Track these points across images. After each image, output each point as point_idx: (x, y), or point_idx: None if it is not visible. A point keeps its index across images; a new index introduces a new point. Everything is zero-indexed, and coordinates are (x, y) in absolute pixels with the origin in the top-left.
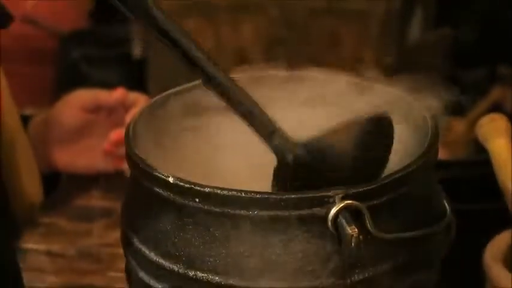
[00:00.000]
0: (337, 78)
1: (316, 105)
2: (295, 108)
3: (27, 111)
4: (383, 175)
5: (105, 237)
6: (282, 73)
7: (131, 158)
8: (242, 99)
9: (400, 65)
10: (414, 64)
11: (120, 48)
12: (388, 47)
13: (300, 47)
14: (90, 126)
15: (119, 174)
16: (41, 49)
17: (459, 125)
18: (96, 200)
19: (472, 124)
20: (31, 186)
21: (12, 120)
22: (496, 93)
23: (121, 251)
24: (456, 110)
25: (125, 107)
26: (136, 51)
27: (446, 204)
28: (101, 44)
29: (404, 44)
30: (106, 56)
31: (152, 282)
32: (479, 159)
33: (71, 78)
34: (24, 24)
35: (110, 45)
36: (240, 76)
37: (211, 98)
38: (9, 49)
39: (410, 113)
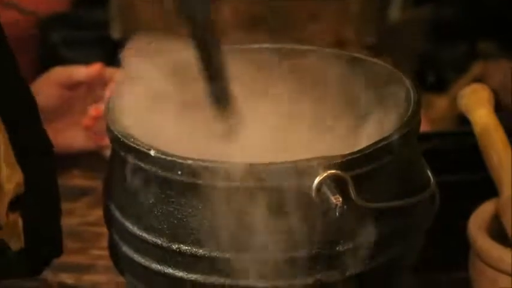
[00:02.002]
0: (321, 51)
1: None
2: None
3: None
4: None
5: (88, 215)
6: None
7: (112, 132)
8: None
9: (381, 44)
10: (395, 43)
11: (100, 30)
12: (369, 27)
13: (279, 27)
14: (69, 104)
15: (100, 151)
16: (22, 36)
17: (441, 102)
18: (77, 179)
19: (454, 100)
20: (7, 180)
21: None
22: (476, 69)
23: (104, 229)
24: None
25: (103, 82)
26: (116, 33)
27: (430, 174)
28: (80, 27)
29: (385, 23)
30: (86, 38)
31: (136, 256)
32: (461, 131)
33: (51, 61)
34: (4, 11)
35: (89, 28)
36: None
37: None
38: None
39: (394, 84)
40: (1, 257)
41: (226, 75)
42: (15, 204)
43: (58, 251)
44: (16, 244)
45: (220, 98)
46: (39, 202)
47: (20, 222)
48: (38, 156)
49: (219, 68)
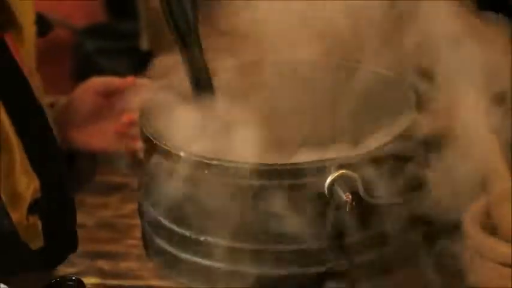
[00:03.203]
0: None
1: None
2: None
3: (48, 100)
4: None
5: (121, 209)
6: None
7: (145, 135)
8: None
9: None
10: None
11: (130, 41)
12: None
13: None
14: (104, 110)
15: (132, 152)
16: (60, 45)
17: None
18: (111, 176)
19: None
20: (26, 187)
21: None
22: None
23: (135, 221)
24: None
25: (135, 92)
26: (144, 44)
27: (429, 173)
28: (112, 38)
29: None
30: (117, 48)
31: (167, 246)
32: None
33: (86, 68)
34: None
35: (120, 39)
36: None
37: None
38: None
39: (394, 90)
40: (23, 254)
41: (207, 74)
42: (33, 208)
43: (73, 247)
44: (37, 243)
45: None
46: (55, 204)
47: (39, 223)
48: (51, 164)
49: (201, 68)
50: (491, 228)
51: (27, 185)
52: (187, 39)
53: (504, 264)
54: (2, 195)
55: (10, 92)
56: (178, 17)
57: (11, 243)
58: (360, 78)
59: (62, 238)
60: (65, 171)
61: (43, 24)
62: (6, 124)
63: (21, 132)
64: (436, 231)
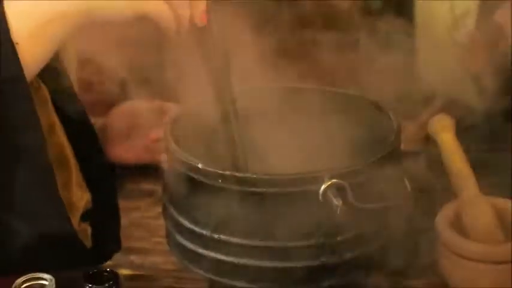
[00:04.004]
0: (312, 89)
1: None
2: None
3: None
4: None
5: (150, 211)
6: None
7: (169, 150)
8: None
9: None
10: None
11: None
12: None
13: None
14: (135, 129)
15: (158, 164)
16: None
17: (411, 127)
18: (142, 184)
19: (422, 126)
20: (79, 199)
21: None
22: (438, 102)
23: (161, 222)
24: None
25: (162, 113)
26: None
27: (407, 183)
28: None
29: None
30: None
31: (186, 243)
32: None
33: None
34: None
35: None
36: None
37: None
38: None
39: (377, 114)
40: (77, 253)
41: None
42: (85, 216)
43: (117, 248)
44: (86, 245)
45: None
46: (102, 214)
47: (89, 229)
48: (101, 180)
49: (231, 115)
50: (460, 228)
51: (81, 197)
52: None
53: (470, 259)
54: None
55: (70, 119)
56: (215, 72)
57: (70, 243)
58: (345, 102)
59: (108, 241)
60: (113, 186)
61: None
62: (66, 147)
63: (77, 153)
64: (413, 230)
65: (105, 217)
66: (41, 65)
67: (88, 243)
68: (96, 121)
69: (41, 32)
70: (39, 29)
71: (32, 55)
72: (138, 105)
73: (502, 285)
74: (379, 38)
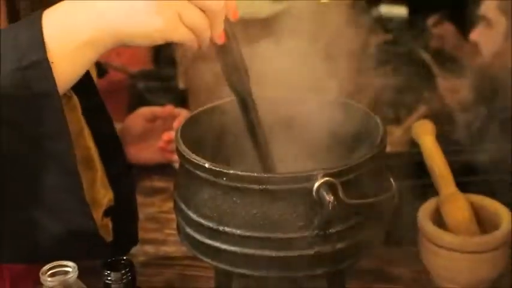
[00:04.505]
0: (306, 98)
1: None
2: None
3: None
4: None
5: (163, 206)
6: None
7: (179, 151)
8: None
9: None
10: None
11: (171, 82)
12: None
13: None
14: (150, 132)
15: (171, 163)
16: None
17: (397, 131)
18: (156, 181)
19: (407, 130)
20: (103, 197)
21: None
22: (422, 109)
23: (172, 215)
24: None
25: (173, 117)
26: (181, 84)
27: (392, 180)
28: (157, 79)
29: None
30: (160, 87)
31: (195, 234)
32: (413, 151)
33: (137, 102)
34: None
35: (163, 80)
36: None
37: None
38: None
39: (366, 120)
40: (98, 246)
41: (261, 128)
42: (107, 212)
43: (135, 242)
44: (107, 239)
45: (259, 144)
46: (123, 211)
47: (110, 224)
48: (123, 180)
49: (255, 122)
50: (440, 221)
51: (104, 195)
52: (246, 100)
53: (448, 249)
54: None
55: (98, 124)
56: (237, 84)
57: (92, 238)
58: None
59: (127, 236)
60: (133, 186)
61: (100, 68)
62: (93, 149)
63: (102, 155)
64: (398, 223)
65: (125, 214)
66: (73, 82)
67: (109, 237)
68: (116, 126)
69: (75, 53)
70: (73, 50)
71: (65, 73)
72: (153, 110)
73: (475, 272)
74: None
